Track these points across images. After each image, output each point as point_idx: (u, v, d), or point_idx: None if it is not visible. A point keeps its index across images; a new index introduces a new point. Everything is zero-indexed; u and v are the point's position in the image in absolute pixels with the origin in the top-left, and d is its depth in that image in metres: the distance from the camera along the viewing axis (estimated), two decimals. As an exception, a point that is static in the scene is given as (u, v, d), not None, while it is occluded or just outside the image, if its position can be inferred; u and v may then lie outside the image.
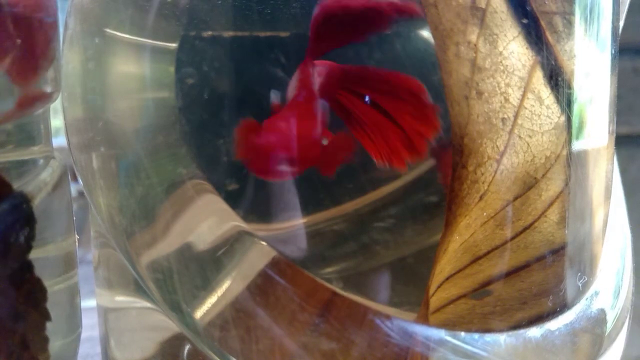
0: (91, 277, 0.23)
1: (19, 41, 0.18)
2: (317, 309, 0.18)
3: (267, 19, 0.19)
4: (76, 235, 0.23)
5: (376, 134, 0.18)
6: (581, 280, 0.20)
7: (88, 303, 0.24)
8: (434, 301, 0.19)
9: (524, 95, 0.17)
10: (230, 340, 0.18)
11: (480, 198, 0.18)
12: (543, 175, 0.18)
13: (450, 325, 0.18)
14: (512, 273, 0.18)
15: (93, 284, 0.23)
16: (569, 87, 0.18)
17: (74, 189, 0.24)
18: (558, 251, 0.19)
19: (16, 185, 0.18)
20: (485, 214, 0.18)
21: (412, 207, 0.21)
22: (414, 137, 0.18)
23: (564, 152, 0.18)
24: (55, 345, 0.19)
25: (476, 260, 0.18)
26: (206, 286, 0.19)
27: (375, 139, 0.18)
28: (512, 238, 0.18)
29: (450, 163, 0.18)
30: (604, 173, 0.21)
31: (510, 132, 0.17)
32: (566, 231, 0.19)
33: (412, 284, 0.20)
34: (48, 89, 0.21)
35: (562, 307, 0.19)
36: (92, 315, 0.24)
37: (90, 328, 0.24)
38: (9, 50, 0.18)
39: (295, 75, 0.18)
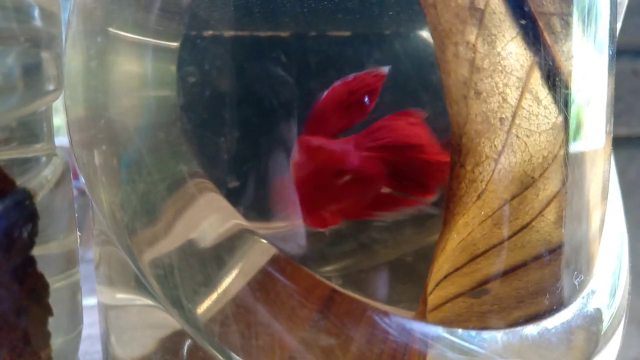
0: (91, 276, 0.23)
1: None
2: (316, 305, 0.18)
3: (269, 18, 0.19)
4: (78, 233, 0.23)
5: None
6: (577, 279, 0.20)
7: (87, 301, 0.24)
8: (432, 299, 0.19)
9: (521, 96, 0.18)
10: (231, 336, 0.18)
11: (478, 197, 0.18)
12: (540, 174, 0.18)
13: (448, 323, 0.19)
14: (509, 272, 0.19)
15: (92, 282, 0.23)
16: (567, 87, 0.18)
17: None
18: (555, 250, 0.19)
19: (19, 182, 0.18)
20: (483, 212, 0.18)
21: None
22: None
23: (562, 152, 0.18)
24: (56, 342, 0.19)
25: (474, 258, 0.18)
26: (207, 282, 0.19)
27: None
28: (510, 237, 0.18)
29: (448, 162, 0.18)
30: (601, 173, 0.21)
31: (508, 131, 0.18)
32: (563, 230, 0.19)
33: (410, 282, 0.20)
34: (50, 87, 0.21)
35: (558, 306, 0.19)
36: (91, 314, 0.24)
37: (89, 326, 0.24)
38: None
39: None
